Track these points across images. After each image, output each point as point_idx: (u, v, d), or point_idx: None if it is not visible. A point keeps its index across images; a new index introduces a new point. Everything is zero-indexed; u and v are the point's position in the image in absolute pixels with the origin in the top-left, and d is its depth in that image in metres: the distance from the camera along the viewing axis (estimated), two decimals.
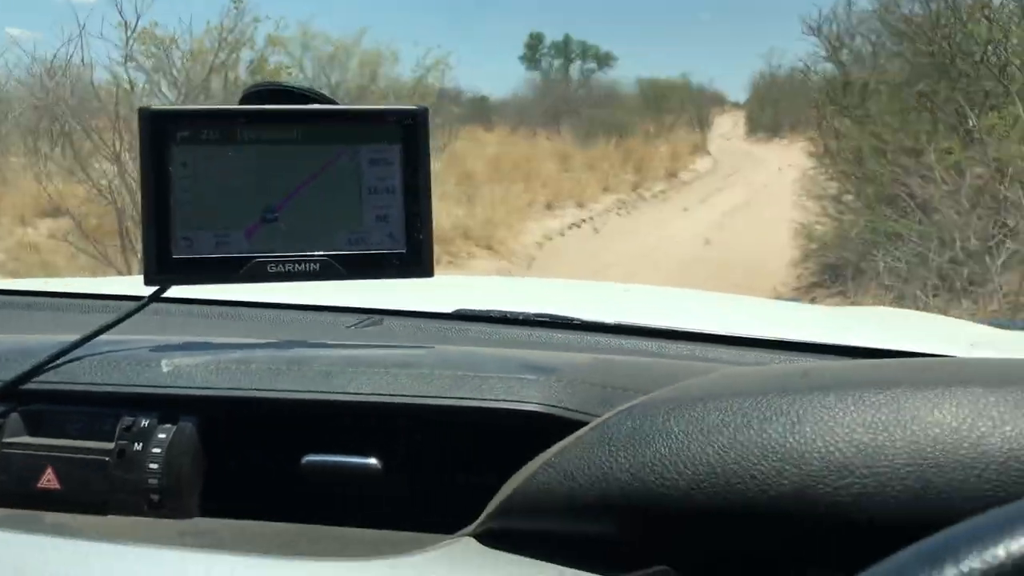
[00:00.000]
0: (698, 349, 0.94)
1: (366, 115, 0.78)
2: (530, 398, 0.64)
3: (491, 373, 0.67)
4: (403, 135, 0.75)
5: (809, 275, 8.62)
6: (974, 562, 0.29)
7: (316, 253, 0.74)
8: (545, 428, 0.61)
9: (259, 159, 0.73)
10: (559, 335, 0.99)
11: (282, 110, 0.75)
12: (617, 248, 10.34)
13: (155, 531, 0.62)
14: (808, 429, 0.49)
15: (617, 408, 0.57)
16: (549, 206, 12.36)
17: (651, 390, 0.59)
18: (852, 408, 0.49)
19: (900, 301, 6.51)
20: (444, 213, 10.54)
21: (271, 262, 0.73)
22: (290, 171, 0.74)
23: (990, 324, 1.42)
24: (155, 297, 0.75)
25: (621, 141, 22.76)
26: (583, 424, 0.58)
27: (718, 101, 42.10)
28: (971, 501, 0.41)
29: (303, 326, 1.02)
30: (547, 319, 1.01)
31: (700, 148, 26.51)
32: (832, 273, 8.36)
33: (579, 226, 11.66)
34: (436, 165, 17.63)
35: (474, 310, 1.04)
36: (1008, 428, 0.46)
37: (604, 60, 52.94)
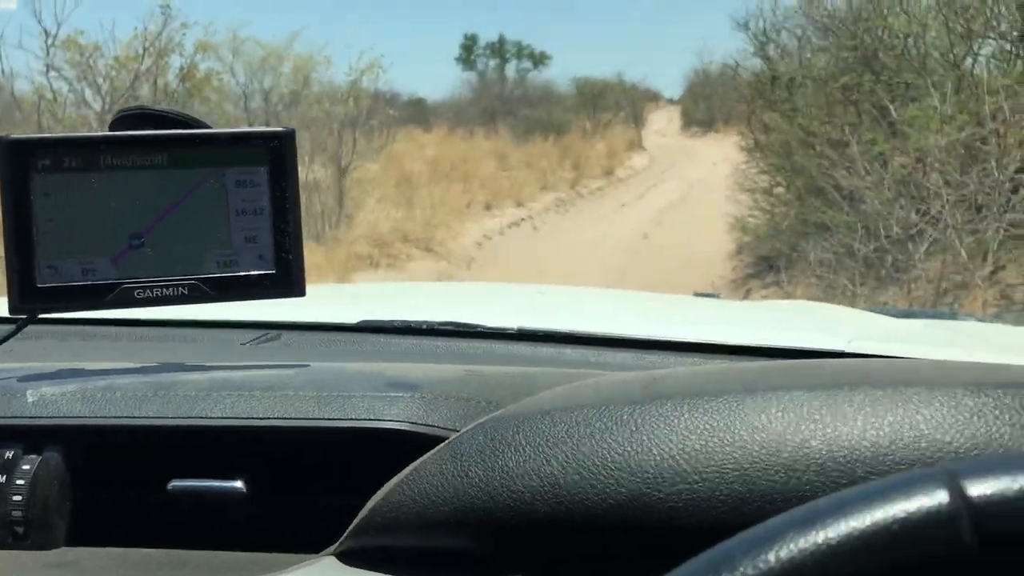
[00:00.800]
0: (592, 354, 0.94)
1: (232, 138, 0.79)
2: (393, 416, 0.64)
3: (356, 392, 0.67)
4: (270, 157, 0.76)
5: (744, 267, 8.78)
6: (748, 569, 0.30)
7: (185, 277, 0.75)
8: (408, 445, 0.61)
9: (124, 185, 0.74)
10: (462, 344, 0.99)
11: (145, 136, 0.75)
12: (556, 245, 10.41)
13: (20, 563, 0.62)
14: (645, 438, 0.50)
15: (473, 423, 0.58)
16: (488, 206, 12.37)
17: (511, 402, 0.60)
18: (687, 415, 0.50)
19: (830, 290, 6.68)
20: (383, 216, 10.48)
21: (138, 288, 0.74)
22: (156, 196, 0.75)
23: (888, 313, 1.48)
24: (22, 326, 0.75)
25: (558, 139, 22.89)
26: (444, 439, 0.59)
27: (653, 98, 42.47)
28: (791, 503, 0.41)
29: (198, 344, 1.02)
30: (450, 327, 1.02)
31: (636, 145, 26.80)
32: (766, 264, 8.53)
33: (518, 225, 11.70)
34: (374, 167, 17.51)
35: (378, 321, 1.04)
36: (829, 430, 0.48)
37: (539, 59, 52.95)
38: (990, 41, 5.44)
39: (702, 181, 16.80)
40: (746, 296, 7.68)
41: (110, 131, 0.76)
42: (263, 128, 0.79)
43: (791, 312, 1.53)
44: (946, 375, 0.53)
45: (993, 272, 5.07)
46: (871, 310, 1.64)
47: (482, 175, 15.57)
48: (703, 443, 0.49)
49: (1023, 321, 4.99)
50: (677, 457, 0.49)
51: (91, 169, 0.73)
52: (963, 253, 4.37)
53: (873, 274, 6.32)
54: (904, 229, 4.54)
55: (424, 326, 1.03)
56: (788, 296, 7.48)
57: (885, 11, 5.73)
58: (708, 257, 9.57)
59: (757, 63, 8.55)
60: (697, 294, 1.95)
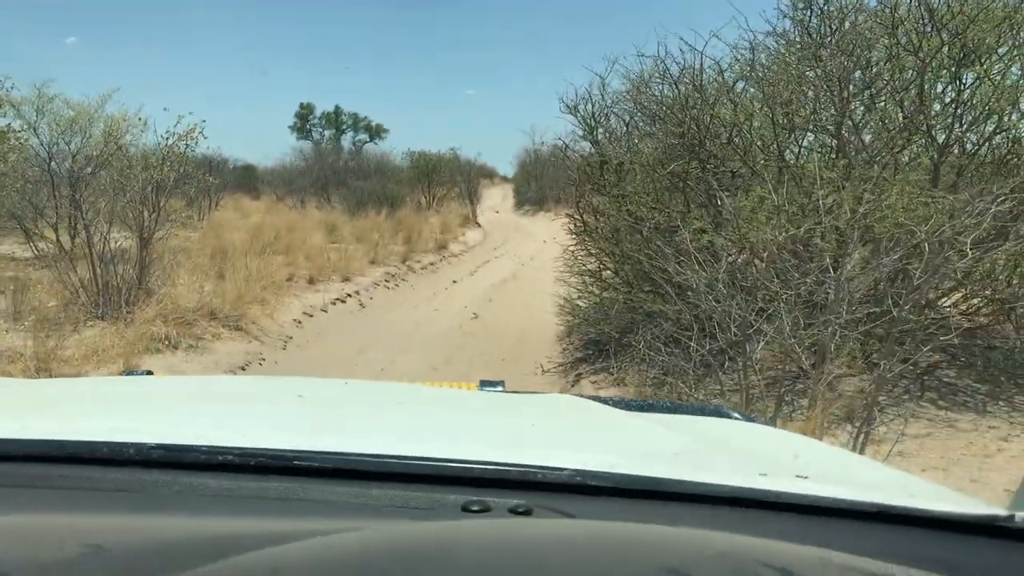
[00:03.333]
0: (304, 488, 0.88)
1: None
2: None
3: None
4: None
5: (574, 349, 8.57)
6: None
7: None
8: None
9: None
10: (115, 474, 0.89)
11: None
12: (383, 323, 9.86)
13: None
14: None
15: None
16: (312, 280, 11.68)
17: None
18: None
19: (662, 376, 6.53)
20: (194, 289, 9.58)
21: None
22: None
23: (630, 406, 1.52)
24: None
25: (392, 212, 22.52)
26: None
27: (488, 174, 43.21)
28: None
29: None
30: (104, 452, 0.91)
31: (470, 220, 26.83)
32: (596, 348, 8.37)
33: (344, 301, 11.07)
34: (193, 235, 16.38)
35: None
36: None
37: (376, 132, 53.09)
38: (809, 135, 5.53)
39: (534, 259, 16.81)
40: (576, 381, 7.43)
41: None
42: None
43: (540, 413, 1.46)
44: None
45: (818, 367, 5.01)
46: (616, 402, 1.62)
47: (309, 246, 14.87)
48: None
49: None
50: None
51: None
52: (797, 348, 4.23)
53: (704, 361, 6.20)
54: (739, 324, 4.36)
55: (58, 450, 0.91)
56: (618, 382, 7.29)
57: (712, 100, 5.73)
58: (539, 337, 9.33)
59: (587, 146, 8.50)
60: (483, 383, 1.87)
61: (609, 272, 7.21)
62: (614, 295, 6.97)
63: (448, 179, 30.57)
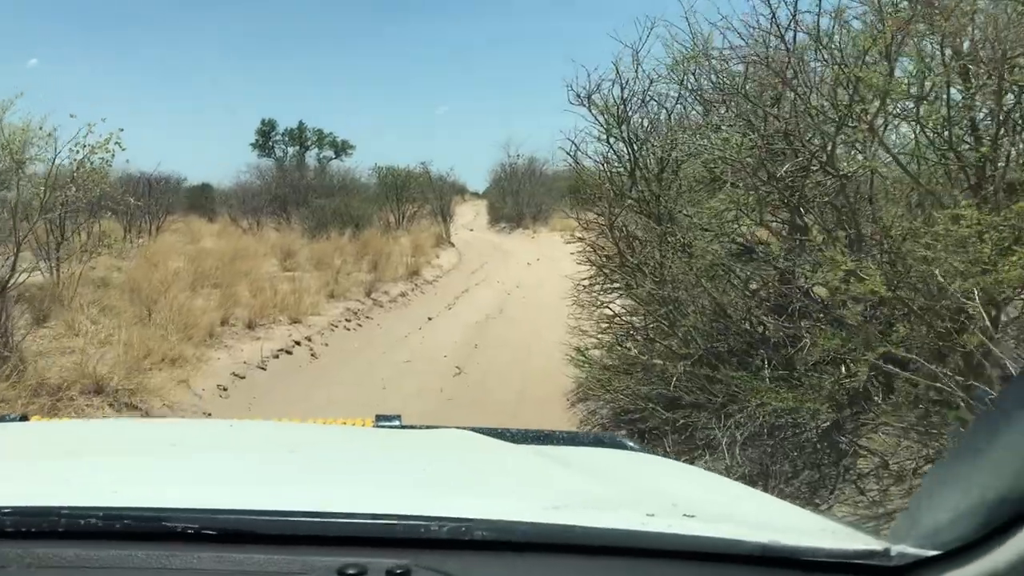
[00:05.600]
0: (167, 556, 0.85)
1: None
2: None
3: None
4: None
5: (598, 423, 6.39)
6: None
7: None
8: None
9: None
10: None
11: None
12: (339, 384, 7.59)
13: None
14: None
15: None
16: (252, 324, 9.37)
17: None
18: None
19: (750, 477, 4.40)
20: (94, 341, 7.30)
21: None
22: None
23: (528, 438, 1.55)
24: None
25: (357, 233, 20.27)
26: None
27: (460, 191, 41.27)
28: None
29: None
30: None
31: (444, 240, 24.60)
32: (631, 424, 6.20)
33: (290, 351, 8.77)
34: (131, 263, 13.91)
35: None
36: None
37: (342, 148, 50.77)
38: None
39: (520, 286, 14.60)
40: None
41: None
42: None
43: (432, 456, 1.40)
44: None
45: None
46: (514, 434, 1.56)
47: (257, 276, 12.56)
48: None
49: None
50: None
51: None
52: None
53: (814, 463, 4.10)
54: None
55: None
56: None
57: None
58: (544, 403, 7.13)
59: (604, 148, 6.31)
60: (379, 417, 1.74)
61: (657, 325, 4.99)
62: (664, 359, 4.79)
63: (419, 196, 28.38)
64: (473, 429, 1.59)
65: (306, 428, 1.71)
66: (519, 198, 34.19)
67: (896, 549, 0.81)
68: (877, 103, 3.15)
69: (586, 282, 6.73)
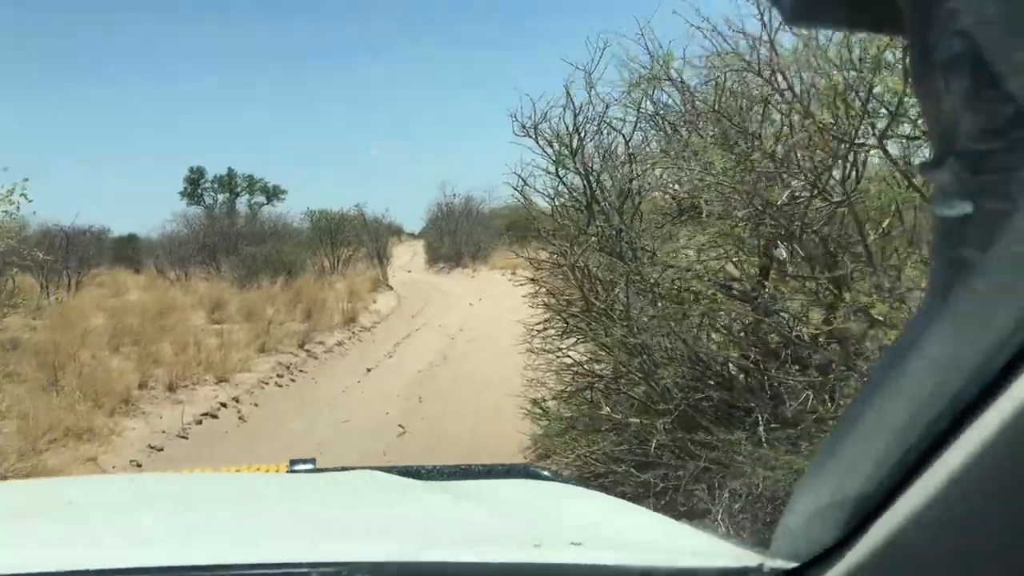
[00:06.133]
0: None
1: None
2: None
3: None
4: None
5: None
6: None
7: None
8: None
9: None
10: None
11: None
12: (269, 450, 6.83)
13: None
14: None
15: None
16: (173, 386, 8.53)
17: None
18: None
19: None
20: None
21: None
22: None
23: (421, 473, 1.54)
24: None
25: (289, 280, 19.44)
26: None
27: (396, 232, 40.61)
28: None
29: None
30: None
31: (381, 283, 23.86)
32: (600, 482, 5.61)
33: (215, 415, 7.96)
34: (44, 322, 12.80)
35: None
36: None
37: (273, 193, 49.62)
38: None
39: (464, 330, 13.95)
40: None
41: None
42: None
43: (339, 502, 1.39)
44: None
45: None
46: (429, 471, 1.58)
47: (183, 331, 11.71)
48: None
49: None
50: None
51: None
52: None
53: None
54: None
55: None
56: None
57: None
58: (497, 459, 6.51)
59: (554, 182, 5.79)
60: (292, 462, 1.70)
61: (629, 377, 4.41)
62: (639, 416, 4.23)
63: (354, 239, 27.63)
64: (387, 469, 1.57)
65: (214, 477, 1.71)
66: (457, 237, 33.64)
67: (768, 564, 0.81)
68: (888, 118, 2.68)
69: (540, 327, 6.16)
